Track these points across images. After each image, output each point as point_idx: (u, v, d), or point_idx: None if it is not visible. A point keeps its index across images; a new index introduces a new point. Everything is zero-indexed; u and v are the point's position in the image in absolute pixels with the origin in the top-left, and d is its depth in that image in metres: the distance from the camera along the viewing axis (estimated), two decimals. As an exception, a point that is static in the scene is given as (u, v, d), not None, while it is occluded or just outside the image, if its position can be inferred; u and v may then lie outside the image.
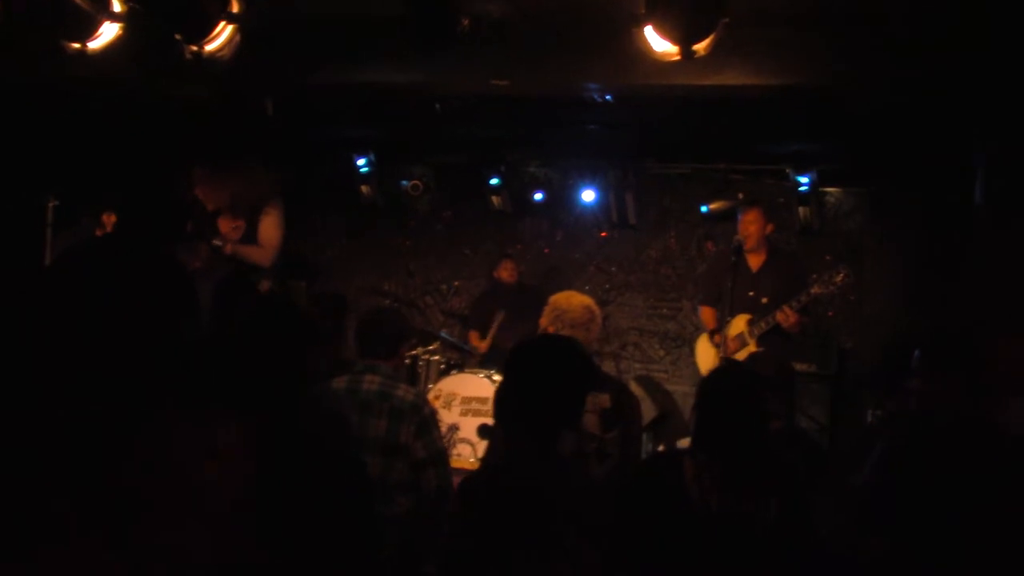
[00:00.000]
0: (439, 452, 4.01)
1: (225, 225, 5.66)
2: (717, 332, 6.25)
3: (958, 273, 6.54)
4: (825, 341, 7.53)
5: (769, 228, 6.33)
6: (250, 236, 5.73)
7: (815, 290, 5.93)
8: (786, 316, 5.88)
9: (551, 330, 4.15)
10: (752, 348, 6.06)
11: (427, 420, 3.98)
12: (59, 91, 5.74)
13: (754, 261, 6.32)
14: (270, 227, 5.73)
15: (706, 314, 6.63)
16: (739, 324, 6.14)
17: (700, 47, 4.08)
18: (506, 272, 8.12)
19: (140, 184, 6.29)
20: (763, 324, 6.01)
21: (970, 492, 2.99)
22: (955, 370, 3.41)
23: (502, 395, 2.70)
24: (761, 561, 2.75)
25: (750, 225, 6.26)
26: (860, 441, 6.54)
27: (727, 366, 5.24)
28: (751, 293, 6.20)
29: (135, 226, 6.05)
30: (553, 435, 2.59)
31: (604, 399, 4.13)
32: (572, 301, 4.24)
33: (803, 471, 3.58)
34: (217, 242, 5.50)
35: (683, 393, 8.24)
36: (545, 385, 2.62)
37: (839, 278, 5.88)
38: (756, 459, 2.88)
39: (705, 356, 6.49)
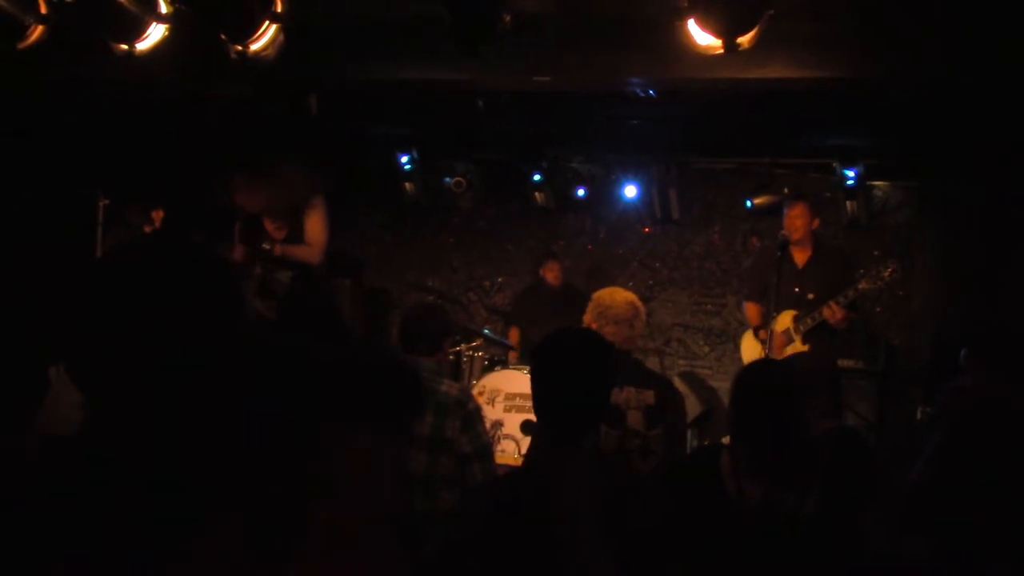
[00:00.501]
0: (484, 446, 4.02)
1: (267, 225, 5.72)
2: (762, 328, 6.17)
3: (1009, 267, 6.41)
4: (872, 337, 7.42)
5: (815, 223, 6.24)
6: (295, 236, 5.77)
7: (862, 285, 5.85)
8: (832, 312, 5.79)
9: (594, 326, 4.14)
10: (798, 344, 5.99)
11: (472, 415, 4.00)
12: (108, 91, 5.83)
13: (800, 256, 6.24)
14: (315, 225, 5.77)
15: (751, 310, 6.55)
16: (785, 320, 6.07)
17: (744, 40, 4.05)
18: (551, 274, 8.08)
19: (186, 182, 6.38)
20: (809, 320, 5.95)
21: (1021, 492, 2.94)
22: (1009, 366, 3.35)
23: (532, 392, 2.70)
24: (797, 553, 2.73)
25: (796, 219, 6.17)
26: (908, 438, 6.45)
27: (761, 362, 5.18)
28: (797, 289, 6.12)
29: (182, 223, 6.14)
30: (579, 431, 2.56)
31: (648, 396, 4.11)
32: (615, 297, 4.23)
33: (854, 469, 3.54)
34: (266, 245, 5.56)
35: (727, 389, 8.09)
36: (567, 380, 2.60)
37: (887, 273, 5.79)
38: (792, 452, 2.86)
39: (750, 352, 6.42)
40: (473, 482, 3.95)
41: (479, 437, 4.00)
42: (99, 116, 6.37)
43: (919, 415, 6.52)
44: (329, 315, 3.78)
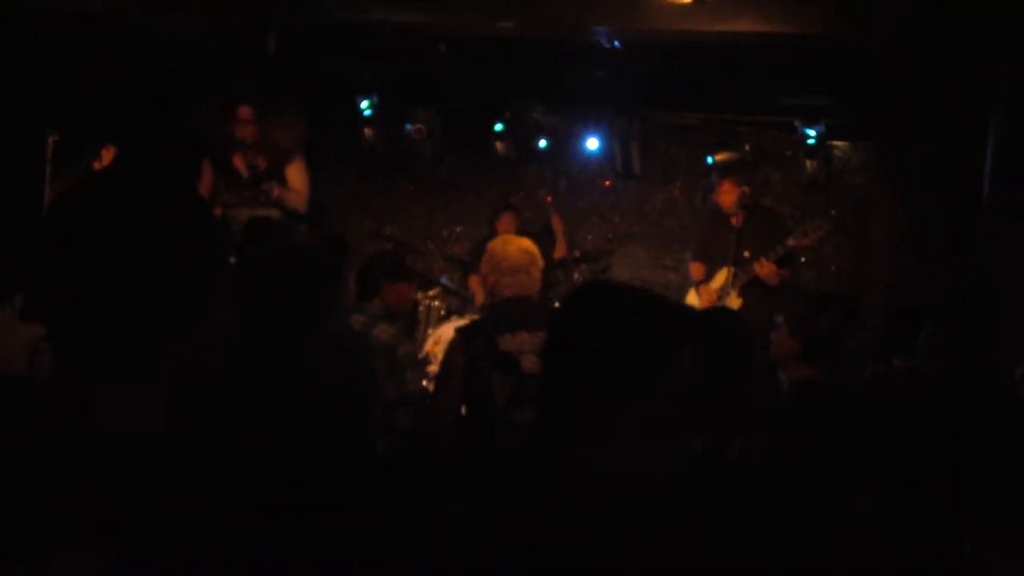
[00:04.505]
0: (410, 393, 3.93)
1: (237, 164, 5.64)
2: (703, 284, 6.57)
3: (968, 231, 6.48)
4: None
5: (746, 190, 6.51)
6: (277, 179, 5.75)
7: (791, 242, 6.23)
8: (762, 267, 6.13)
9: (491, 280, 3.91)
10: (733, 299, 6.27)
11: (402, 360, 3.94)
12: (62, 24, 5.66)
13: (736, 218, 6.53)
14: (299, 172, 5.77)
15: (696, 269, 6.83)
16: (722, 277, 6.43)
17: (713, -8, 4.00)
18: (503, 227, 7.92)
19: (142, 117, 6.22)
20: (743, 275, 6.27)
21: (974, 455, 2.98)
22: (967, 328, 3.37)
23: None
24: (741, 502, 2.81)
25: (724, 196, 6.52)
26: (858, 399, 6.55)
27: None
28: (734, 248, 6.40)
29: (139, 157, 5.99)
30: None
31: (544, 337, 4.02)
32: (508, 248, 3.94)
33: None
34: (265, 186, 5.51)
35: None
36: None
37: (816, 233, 6.24)
38: (733, 405, 2.96)
39: None
40: (399, 428, 3.84)
41: (405, 384, 3.91)
42: (52, 49, 6.17)
43: (869, 376, 6.61)
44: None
